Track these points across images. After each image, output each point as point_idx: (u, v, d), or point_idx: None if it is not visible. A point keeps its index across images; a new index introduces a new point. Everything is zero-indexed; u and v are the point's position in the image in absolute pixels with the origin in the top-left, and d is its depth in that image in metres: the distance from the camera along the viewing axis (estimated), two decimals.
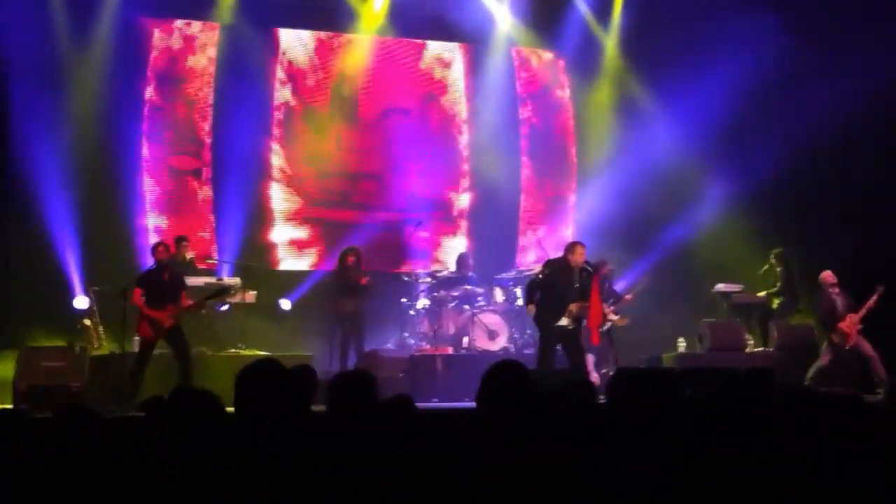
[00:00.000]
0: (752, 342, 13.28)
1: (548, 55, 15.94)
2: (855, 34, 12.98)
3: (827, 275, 11.95)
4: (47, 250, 12.45)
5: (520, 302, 13.07)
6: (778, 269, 13.41)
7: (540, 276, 10.68)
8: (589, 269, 10.59)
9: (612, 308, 12.23)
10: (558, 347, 10.55)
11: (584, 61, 15.65)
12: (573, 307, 10.31)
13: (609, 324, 11.93)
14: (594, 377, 11.25)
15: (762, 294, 13.50)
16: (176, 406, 3.99)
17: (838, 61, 13.10)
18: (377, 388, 4.18)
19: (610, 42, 15.66)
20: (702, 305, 13.92)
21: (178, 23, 14.16)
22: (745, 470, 3.13)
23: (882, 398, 3.71)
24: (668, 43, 14.64)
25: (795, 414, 3.58)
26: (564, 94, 15.98)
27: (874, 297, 11.62)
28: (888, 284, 11.67)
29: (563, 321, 10.30)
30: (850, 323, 11.58)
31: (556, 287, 10.44)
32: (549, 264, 10.83)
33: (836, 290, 11.85)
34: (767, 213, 14.14)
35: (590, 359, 11.24)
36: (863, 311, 11.63)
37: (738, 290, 13.78)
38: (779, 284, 13.35)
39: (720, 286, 13.82)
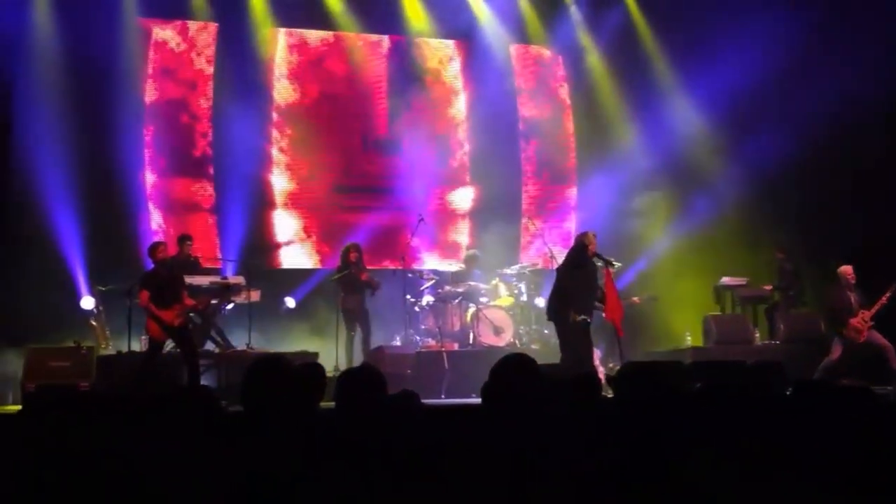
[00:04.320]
0: (758, 335, 13.25)
1: (546, 51, 15.93)
2: (865, 25, 12.92)
3: (847, 269, 11.51)
4: (54, 252, 12.50)
5: (524, 298, 13.09)
6: (783, 263, 13.39)
7: (564, 273, 10.45)
8: (601, 259, 10.47)
9: None
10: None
11: (583, 56, 15.64)
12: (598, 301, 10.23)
13: None
14: (600, 371, 11.22)
15: (767, 287, 13.47)
16: (176, 405, 3.98)
17: (846, 52, 13.06)
18: (385, 384, 4.17)
19: (607, 37, 15.67)
20: (707, 299, 13.89)
21: (177, 24, 14.20)
22: (754, 462, 3.13)
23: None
24: (671, 36, 14.67)
25: (806, 405, 3.58)
26: (563, 88, 15.97)
27: (888, 294, 11.22)
28: None
29: (582, 315, 10.15)
30: (862, 319, 11.23)
31: (575, 280, 10.29)
32: (568, 259, 10.64)
33: (851, 286, 11.49)
34: (772, 207, 14.13)
35: (596, 353, 11.18)
36: (876, 308, 11.25)
37: (743, 283, 13.76)
38: (784, 278, 13.32)
39: (725, 280, 13.81)
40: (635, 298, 12.85)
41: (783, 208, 14.22)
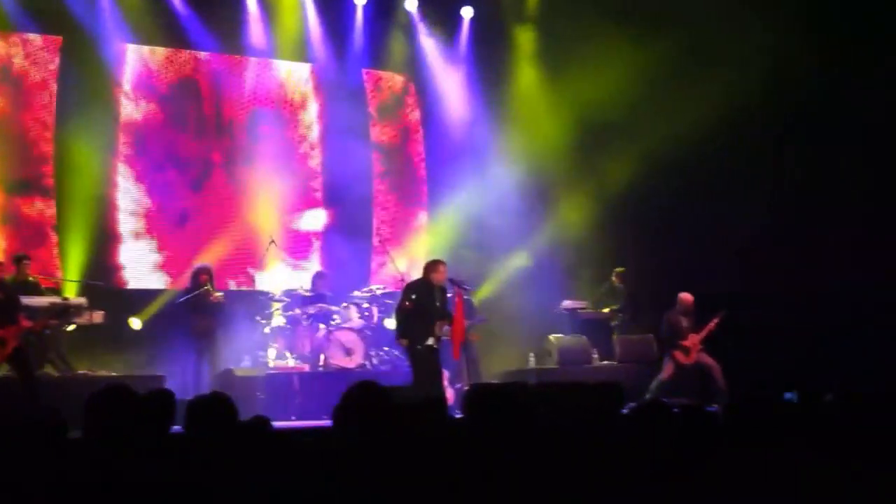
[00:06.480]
0: (596, 356, 13.73)
1: (398, 77, 16.12)
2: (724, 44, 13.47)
3: (686, 296, 12.30)
4: None
5: (375, 320, 13.17)
6: (619, 287, 14.02)
7: (406, 303, 10.61)
8: (449, 286, 10.69)
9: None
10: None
11: (433, 83, 15.92)
12: (438, 327, 10.38)
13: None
14: (449, 393, 11.39)
15: (606, 311, 14.02)
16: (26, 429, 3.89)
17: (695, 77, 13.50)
18: (235, 411, 4.18)
19: (457, 63, 16.00)
20: (549, 321, 14.25)
21: (19, 36, 13.70)
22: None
23: (720, 410, 3.88)
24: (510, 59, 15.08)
25: (645, 425, 3.79)
26: (414, 115, 16.18)
27: (715, 321, 12.13)
28: (725, 306, 12.20)
29: (430, 341, 10.32)
30: (692, 343, 12.12)
31: (421, 308, 10.47)
32: (411, 288, 10.81)
33: (688, 311, 12.25)
34: (614, 230, 14.67)
35: (445, 374, 11.35)
36: (703, 333, 12.16)
37: (583, 306, 14.25)
38: (620, 302, 13.91)
39: (566, 303, 14.24)
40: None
41: (624, 232, 14.77)
